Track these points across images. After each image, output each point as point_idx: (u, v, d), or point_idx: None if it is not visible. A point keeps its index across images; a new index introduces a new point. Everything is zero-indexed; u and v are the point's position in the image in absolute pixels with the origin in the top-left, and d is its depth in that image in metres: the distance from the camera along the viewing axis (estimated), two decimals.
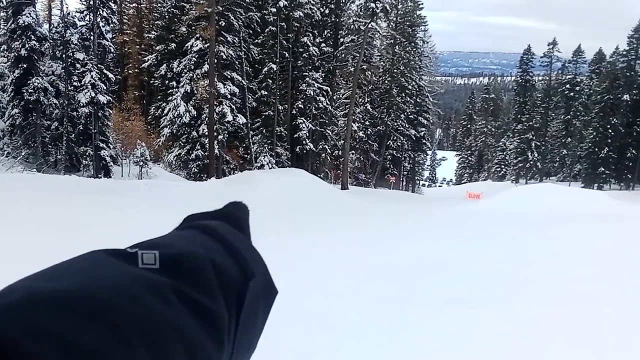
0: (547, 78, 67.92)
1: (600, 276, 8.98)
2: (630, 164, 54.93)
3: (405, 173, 52.85)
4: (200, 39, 26.77)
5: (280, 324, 6.18)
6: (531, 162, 63.89)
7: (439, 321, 6.63)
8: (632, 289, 7.89)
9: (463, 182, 77.54)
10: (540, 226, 15.76)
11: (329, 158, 35.70)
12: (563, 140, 65.23)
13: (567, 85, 64.49)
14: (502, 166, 71.96)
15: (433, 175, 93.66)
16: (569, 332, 6.03)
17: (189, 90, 27.45)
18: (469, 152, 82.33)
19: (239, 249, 0.46)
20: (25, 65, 24.62)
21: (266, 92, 30.68)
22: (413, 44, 44.27)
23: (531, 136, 64.00)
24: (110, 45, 31.07)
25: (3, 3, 27.46)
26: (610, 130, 53.64)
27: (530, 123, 64.33)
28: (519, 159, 65.32)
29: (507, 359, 5.37)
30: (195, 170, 28.91)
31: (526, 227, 15.73)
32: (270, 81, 30.60)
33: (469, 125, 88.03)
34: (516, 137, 67.31)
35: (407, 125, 44.34)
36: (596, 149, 54.42)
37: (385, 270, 9.74)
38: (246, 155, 30.46)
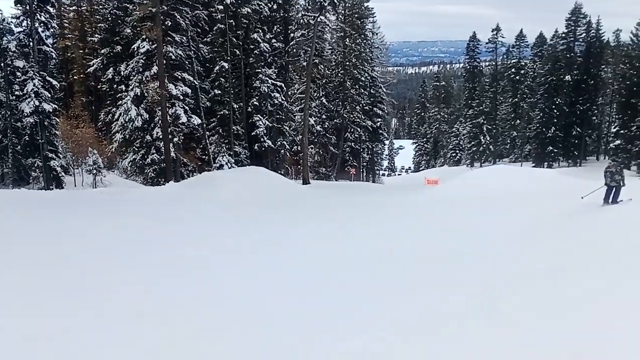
0: (494, 63, 69.76)
1: (556, 251, 9.22)
2: (576, 141, 57.22)
3: (365, 164, 53.24)
4: (147, 40, 26.00)
5: (261, 322, 6.01)
6: (484, 146, 65.46)
7: (410, 304, 6.63)
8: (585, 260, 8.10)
9: (421, 169, 78.68)
10: (497, 207, 16.08)
11: (288, 154, 35.49)
12: (512, 123, 67.15)
13: (513, 69, 66.56)
14: (457, 151, 73.33)
15: (392, 164, 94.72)
16: (531, 306, 6.12)
17: (139, 93, 26.65)
18: (425, 139, 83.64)
19: None
20: None
21: (220, 91, 30.16)
22: (363, 36, 44.45)
23: (482, 120, 65.56)
24: (51, 51, 29.93)
25: None
26: (555, 111, 55.59)
27: (481, 108, 65.89)
28: (472, 143, 66.82)
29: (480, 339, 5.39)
30: (152, 175, 28.15)
31: (484, 208, 16.00)
32: (223, 80, 30.10)
33: (422, 114, 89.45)
34: (468, 122, 68.87)
35: (363, 117, 44.58)
36: (543, 129, 56.31)
37: (356, 259, 9.69)
38: (204, 157, 29.91)
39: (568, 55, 56.97)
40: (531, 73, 65.53)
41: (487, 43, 68.53)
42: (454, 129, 75.78)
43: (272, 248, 11.06)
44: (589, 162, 58.49)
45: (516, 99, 65.53)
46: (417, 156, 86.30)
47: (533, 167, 50.74)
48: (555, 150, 56.40)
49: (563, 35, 58.37)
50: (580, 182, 22.53)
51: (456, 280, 7.83)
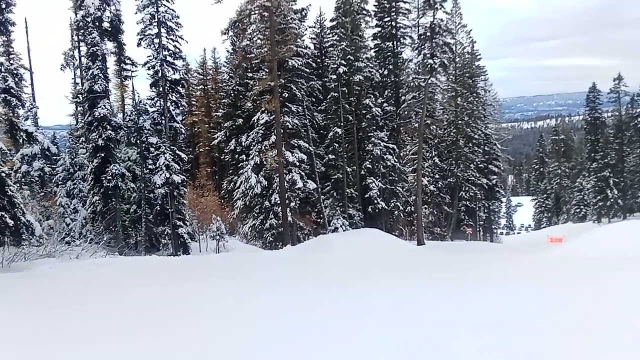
0: (617, 113, 65.52)
1: None
2: None
3: (482, 223, 51.29)
4: (266, 111, 27.72)
5: None
6: (611, 200, 60.77)
7: None
8: None
9: (542, 226, 74.58)
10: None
11: (402, 215, 35.23)
12: None
13: (639, 119, 61.91)
14: (582, 207, 68.97)
15: (510, 222, 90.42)
16: None
17: (258, 162, 28.23)
18: (545, 195, 79.68)
19: None
20: (102, 154, 25.47)
21: (333, 156, 31.09)
22: (475, 94, 44.02)
23: (608, 173, 61.26)
24: (180, 127, 32.43)
25: (80, 98, 29.56)
26: None
27: (606, 160, 61.68)
28: (598, 197, 62.42)
29: None
30: (271, 239, 29.20)
31: (620, 268, 14.59)
32: (337, 145, 31.05)
33: (541, 169, 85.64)
34: (592, 176, 64.74)
35: (477, 175, 43.40)
36: None
37: (482, 327, 9.20)
38: (319, 220, 30.59)
39: None
40: None
41: (608, 93, 64.61)
42: (577, 183, 71.63)
43: (389, 312, 10.85)
44: None
45: None
46: (538, 213, 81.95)
47: None
48: None
49: None
50: None
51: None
